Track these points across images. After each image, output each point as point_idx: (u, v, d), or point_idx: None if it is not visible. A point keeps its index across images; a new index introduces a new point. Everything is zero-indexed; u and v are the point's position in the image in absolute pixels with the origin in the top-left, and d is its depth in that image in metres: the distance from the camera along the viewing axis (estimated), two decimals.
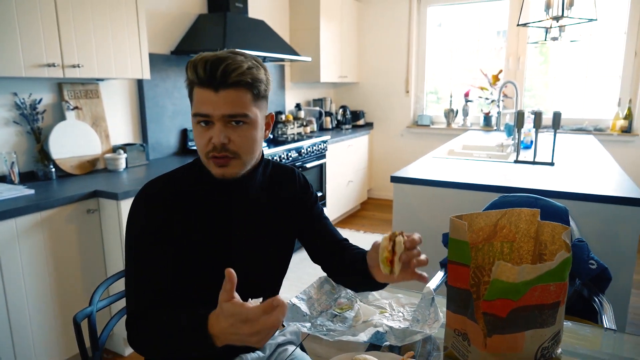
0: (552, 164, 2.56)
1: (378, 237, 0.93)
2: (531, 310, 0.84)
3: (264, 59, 3.42)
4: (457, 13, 4.77)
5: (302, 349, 1.23)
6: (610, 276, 1.50)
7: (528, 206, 1.27)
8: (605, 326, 1.26)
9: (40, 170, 2.31)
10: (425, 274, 0.90)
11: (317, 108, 4.66)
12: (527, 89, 4.52)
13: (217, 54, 0.93)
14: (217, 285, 1.03)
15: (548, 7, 2.41)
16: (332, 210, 4.27)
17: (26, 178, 2.29)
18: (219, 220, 1.03)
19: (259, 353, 1.15)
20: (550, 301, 0.85)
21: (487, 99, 4.52)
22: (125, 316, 0.97)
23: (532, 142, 3.32)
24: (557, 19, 2.44)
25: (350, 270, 1.08)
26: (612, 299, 1.49)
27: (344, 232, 3.97)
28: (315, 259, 1.20)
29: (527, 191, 1.91)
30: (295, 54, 3.66)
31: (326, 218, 1.22)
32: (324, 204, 4.10)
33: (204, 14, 3.30)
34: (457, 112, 4.78)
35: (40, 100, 2.33)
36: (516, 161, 2.67)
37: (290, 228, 1.16)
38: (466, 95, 4.65)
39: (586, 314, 1.52)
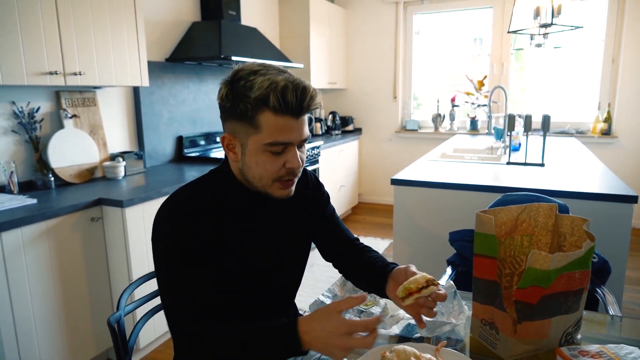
0: (542, 165, 2.66)
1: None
2: (558, 297, 0.90)
3: None
4: (436, 21, 4.90)
5: None
6: (610, 269, 1.58)
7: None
8: (612, 314, 1.33)
9: (39, 180, 2.28)
10: (425, 320, 0.96)
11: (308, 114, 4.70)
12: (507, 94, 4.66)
13: (291, 79, 0.89)
14: (249, 291, 1.04)
15: (537, 14, 2.52)
16: None
17: (25, 188, 2.26)
18: (247, 228, 1.03)
19: None
20: (574, 288, 0.90)
21: (473, 103, 4.64)
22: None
23: (520, 144, 3.44)
24: (545, 26, 2.55)
25: (364, 275, 1.13)
26: None
27: None
28: (327, 257, 1.23)
29: (525, 190, 1.98)
30: (288, 60, 3.71)
31: (338, 217, 1.24)
32: None
33: (198, 21, 3.31)
34: (443, 116, 4.90)
35: (38, 108, 2.31)
36: (508, 163, 2.76)
37: (307, 227, 1.18)
38: (453, 100, 4.77)
39: (587, 304, 1.60)
